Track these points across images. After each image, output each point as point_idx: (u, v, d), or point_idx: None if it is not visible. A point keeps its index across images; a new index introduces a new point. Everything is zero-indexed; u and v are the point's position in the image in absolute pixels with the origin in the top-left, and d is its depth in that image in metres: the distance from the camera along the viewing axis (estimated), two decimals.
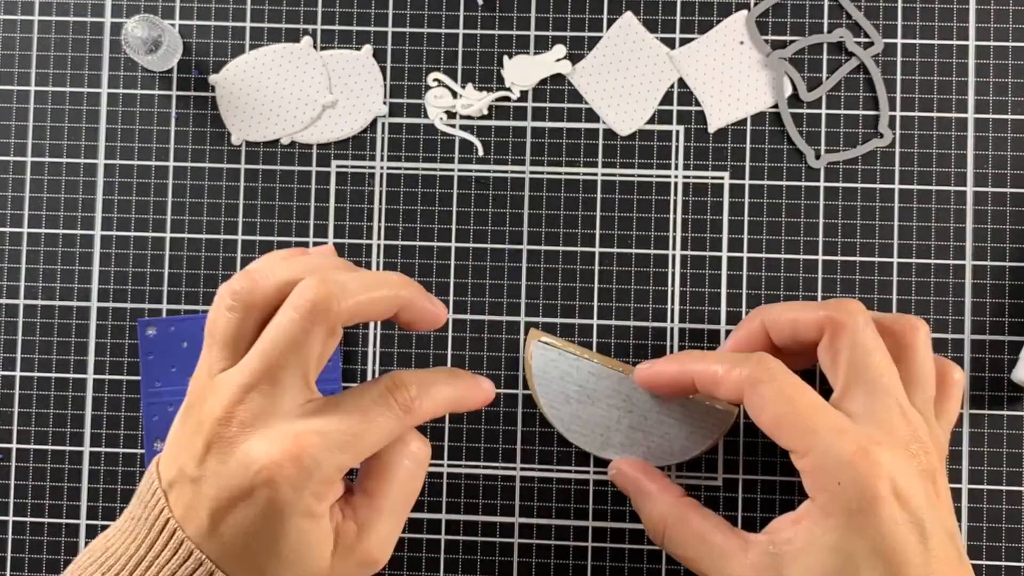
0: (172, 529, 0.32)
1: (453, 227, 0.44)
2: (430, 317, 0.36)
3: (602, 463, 0.43)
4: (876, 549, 0.33)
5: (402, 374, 0.35)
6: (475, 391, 0.37)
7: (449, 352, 0.43)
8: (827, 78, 0.44)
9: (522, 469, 0.43)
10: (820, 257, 0.43)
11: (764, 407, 0.35)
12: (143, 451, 0.43)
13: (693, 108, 0.44)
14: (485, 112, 0.44)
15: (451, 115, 0.44)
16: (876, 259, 0.43)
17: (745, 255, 0.43)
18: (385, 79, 0.44)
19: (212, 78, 0.44)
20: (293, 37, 0.45)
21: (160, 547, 0.32)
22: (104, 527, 0.43)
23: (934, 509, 0.34)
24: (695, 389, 0.38)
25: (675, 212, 0.44)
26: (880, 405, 0.35)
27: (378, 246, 0.44)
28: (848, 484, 0.33)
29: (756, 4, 0.44)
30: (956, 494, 0.42)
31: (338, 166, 0.44)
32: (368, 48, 0.44)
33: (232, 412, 0.33)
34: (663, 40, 0.44)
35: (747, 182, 0.44)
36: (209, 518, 0.32)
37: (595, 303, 0.44)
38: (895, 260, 0.43)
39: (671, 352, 0.43)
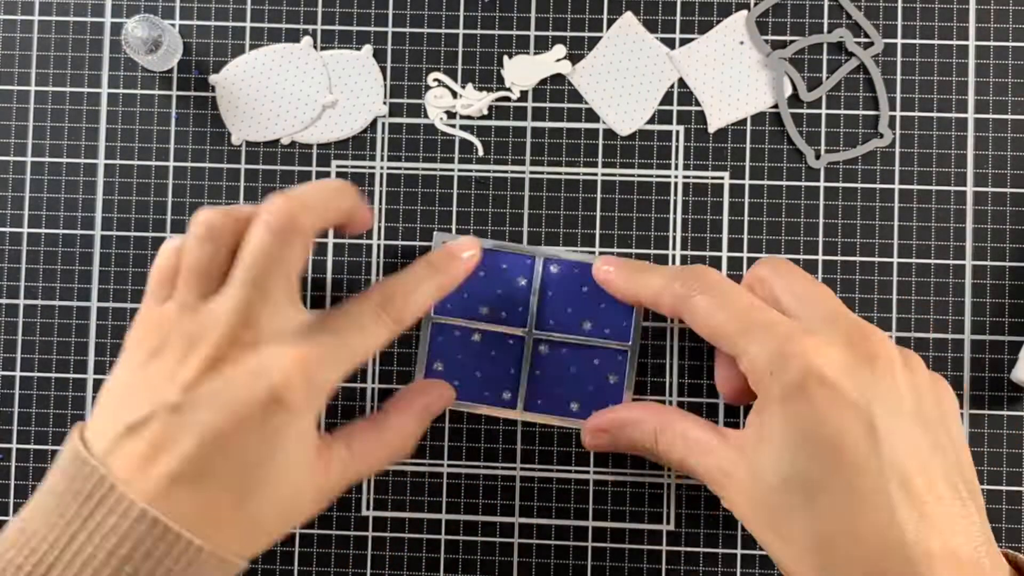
0: (110, 487, 0.31)
1: (453, 227, 0.44)
2: (365, 216, 0.39)
3: (602, 463, 0.43)
4: (815, 433, 0.33)
5: (390, 286, 0.37)
6: (455, 272, 0.40)
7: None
8: (827, 78, 0.44)
9: (522, 469, 0.43)
10: (820, 257, 0.43)
11: (699, 319, 0.36)
12: None
13: (693, 108, 0.44)
14: (485, 112, 0.44)
15: (451, 115, 0.44)
16: (876, 259, 0.43)
17: (745, 255, 0.43)
18: (385, 79, 0.44)
19: (212, 78, 0.44)
20: (293, 37, 0.45)
21: (104, 513, 0.31)
22: None
23: (880, 396, 0.33)
24: (641, 304, 0.40)
25: (675, 212, 0.44)
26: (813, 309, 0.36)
27: (378, 246, 0.44)
28: (778, 372, 0.34)
29: (756, 4, 0.44)
30: None
31: (338, 166, 0.44)
32: (368, 48, 0.44)
33: (236, 332, 0.33)
34: (663, 40, 0.44)
35: (747, 182, 0.44)
36: (190, 448, 0.32)
37: None
38: (895, 260, 0.43)
39: (670, 354, 0.43)
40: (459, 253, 0.40)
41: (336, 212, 0.37)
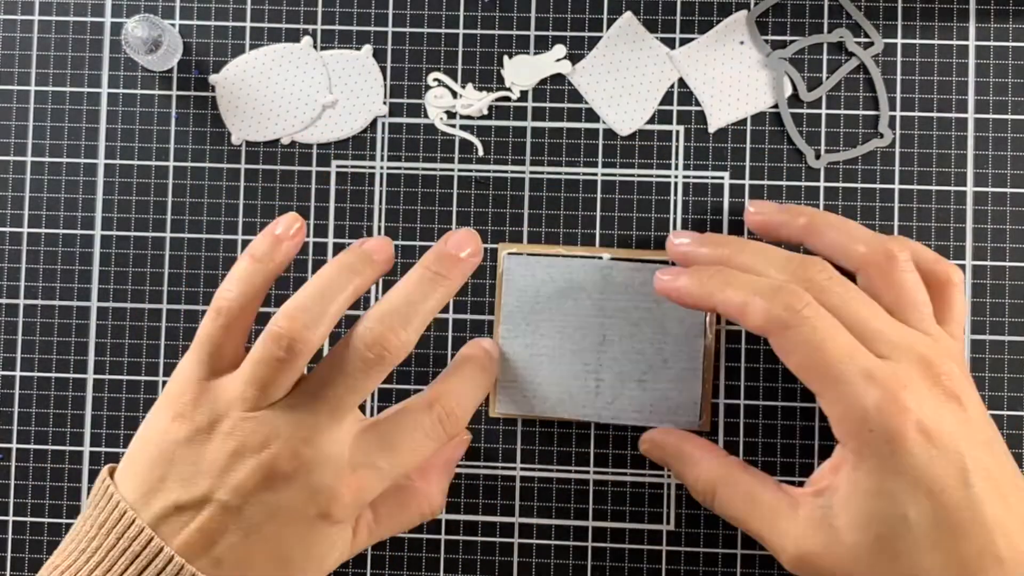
0: (170, 559, 0.33)
1: (453, 227, 0.44)
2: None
3: (602, 463, 0.43)
4: (916, 483, 0.33)
5: (449, 398, 0.37)
6: (493, 374, 0.41)
7: (449, 352, 0.43)
8: (827, 78, 0.44)
9: (522, 469, 0.43)
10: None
11: (791, 352, 0.35)
12: None
13: (693, 108, 0.44)
14: (485, 112, 0.44)
15: (451, 115, 0.44)
16: None
17: None
18: (385, 79, 0.44)
19: (212, 78, 0.44)
20: (293, 37, 0.45)
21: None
22: None
23: (967, 435, 0.34)
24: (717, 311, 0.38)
25: (675, 212, 0.44)
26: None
27: None
28: (879, 430, 0.34)
29: (756, 4, 0.44)
30: None
31: (338, 166, 0.44)
32: (368, 48, 0.44)
33: (296, 448, 0.34)
34: (663, 40, 0.44)
35: (747, 182, 0.44)
36: (237, 540, 0.33)
37: None
38: None
39: None
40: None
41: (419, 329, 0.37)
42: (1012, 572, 0.33)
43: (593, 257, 0.42)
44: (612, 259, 0.42)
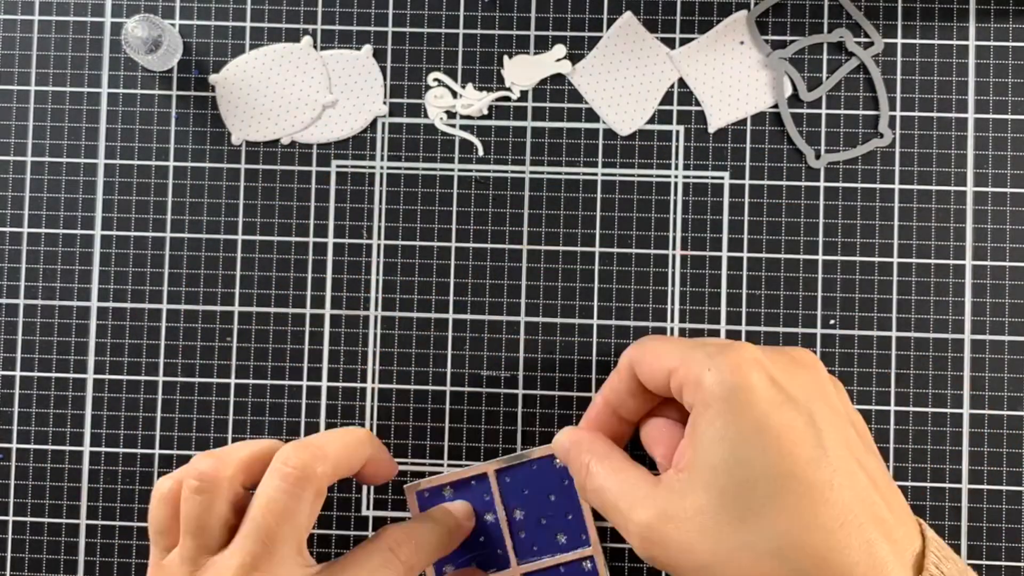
0: None
1: (453, 227, 0.44)
2: (387, 469, 0.39)
3: None
4: (760, 427, 0.31)
5: (398, 535, 0.37)
6: (457, 533, 0.40)
7: (449, 352, 0.43)
8: (827, 78, 0.44)
9: None
10: (820, 257, 0.43)
11: (643, 357, 0.35)
12: (143, 451, 0.43)
13: (693, 108, 0.44)
14: (485, 112, 0.44)
15: (451, 115, 0.44)
16: (876, 259, 0.43)
17: (745, 255, 0.43)
18: (385, 79, 0.44)
19: (212, 78, 0.44)
20: (293, 37, 0.45)
21: None
22: (104, 527, 0.43)
23: (820, 395, 0.32)
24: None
25: (675, 212, 0.44)
26: None
27: (378, 246, 0.44)
28: (717, 368, 0.32)
29: (756, 4, 0.44)
30: (956, 494, 0.42)
31: (338, 166, 0.44)
32: (368, 48, 0.44)
33: None
34: (663, 40, 0.44)
35: (747, 182, 0.44)
36: None
37: (595, 303, 0.44)
38: (895, 260, 0.43)
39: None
40: (461, 514, 0.40)
41: (352, 463, 0.37)
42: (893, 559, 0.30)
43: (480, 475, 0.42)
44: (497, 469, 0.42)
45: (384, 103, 0.44)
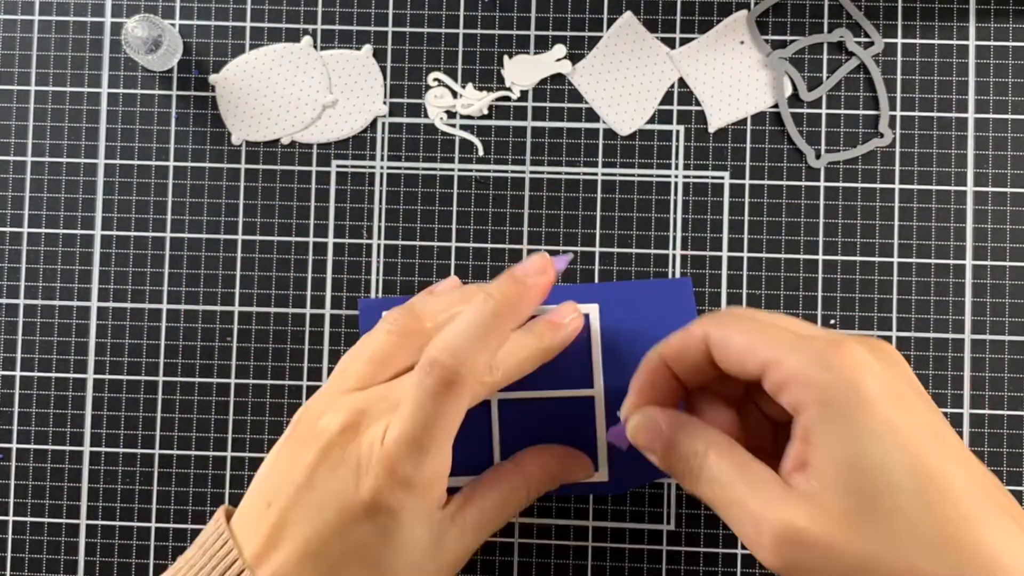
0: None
1: (453, 227, 0.44)
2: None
3: None
4: (890, 427, 0.31)
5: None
6: (560, 340, 0.39)
7: None
8: (827, 78, 0.44)
9: None
10: (820, 257, 0.43)
11: (728, 341, 0.34)
12: (143, 451, 0.43)
13: (693, 108, 0.44)
14: (485, 112, 0.44)
15: (451, 115, 0.44)
16: (876, 259, 0.43)
17: (745, 255, 0.43)
18: (385, 79, 0.44)
19: (212, 78, 0.44)
20: (293, 37, 0.45)
21: None
22: (104, 527, 0.43)
23: (923, 396, 0.33)
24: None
25: (675, 212, 0.44)
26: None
27: (378, 246, 0.44)
28: (836, 370, 0.31)
29: (756, 4, 0.44)
30: None
31: (338, 166, 0.44)
32: (368, 48, 0.44)
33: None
34: (663, 40, 0.44)
35: (747, 182, 0.44)
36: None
37: None
38: (895, 260, 0.43)
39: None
40: (561, 320, 0.39)
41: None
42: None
43: None
44: None
45: (384, 103, 0.44)
